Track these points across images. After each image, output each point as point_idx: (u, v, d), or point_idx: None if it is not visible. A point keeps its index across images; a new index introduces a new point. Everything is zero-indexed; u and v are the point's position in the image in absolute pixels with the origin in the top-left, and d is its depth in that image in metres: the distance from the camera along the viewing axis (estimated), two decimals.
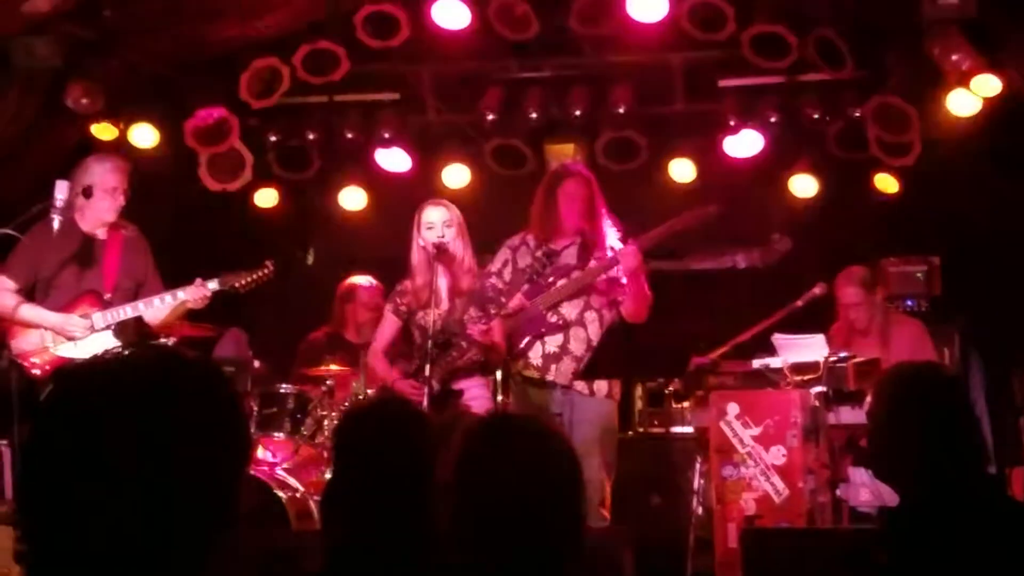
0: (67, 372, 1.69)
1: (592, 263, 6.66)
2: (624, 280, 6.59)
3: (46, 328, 6.47)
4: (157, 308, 6.56)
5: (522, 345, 6.60)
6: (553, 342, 6.62)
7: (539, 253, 6.57)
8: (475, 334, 6.37)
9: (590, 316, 6.66)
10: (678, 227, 6.70)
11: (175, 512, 1.60)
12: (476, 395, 6.42)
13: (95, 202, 6.52)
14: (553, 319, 6.64)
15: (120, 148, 7.75)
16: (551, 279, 6.63)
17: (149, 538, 1.58)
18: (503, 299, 6.54)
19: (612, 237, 6.74)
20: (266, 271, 6.65)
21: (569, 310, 6.65)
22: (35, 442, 1.63)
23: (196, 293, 6.49)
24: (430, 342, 6.23)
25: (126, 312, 6.51)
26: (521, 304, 6.55)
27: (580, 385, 6.61)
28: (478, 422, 2.58)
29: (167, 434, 1.60)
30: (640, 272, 6.57)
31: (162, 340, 6.67)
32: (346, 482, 3.18)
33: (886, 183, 8.17)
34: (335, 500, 3.20)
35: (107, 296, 6.55)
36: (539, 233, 6.75)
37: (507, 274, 6.73)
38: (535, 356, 6.62)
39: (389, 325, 6.74)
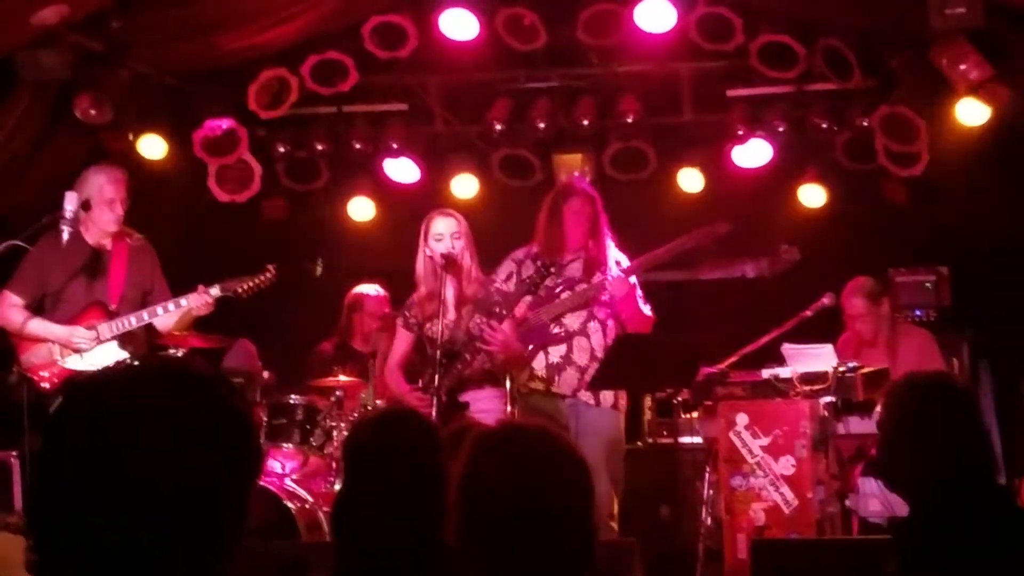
0: (77, 384, 1.69)
1: (587, 284, 6.69)
2: (617, 305, 6.63)
3: (52, 341, 6.49)
4: (162, 317, 6.57)
5: (526, 354, 6.61)
6: (556, 352, 6.64)
7: (540, 264, 6.58)
8: (489, 336, 6.31)
9: (593, 326, 6.68)
10: (688, 245, 6.74)
11: (185, 524, 1.60)
12: (487, 407, 6.36)
13: (94, 214, 6.54)
14: (556, 330, 6.65)
15: (130, 159, 7.75)
16: (556, 290, 6.64)
17: (159, 549, 1.58)
18: (505, 309, 6.52)
19: (616, 255, 6.76)
20: (268, 275, 6.65)
21: (572, 320, 6.67)
22: (46, 453, 1.64)
23: (198, 300, 6.51)
24: (438, 352, 6.21)
25: (131, 322, 6.53)
26: (524, 314, 6.56)
27: (586, 395, 6.62)
28: (486, 433, 2.57)
29: (177, 446, 1.60)
30: (631, 298, 6.61)
31: (171, 351, 6.69)
32: (355, 493, 3.17)
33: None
34: (345, 511, 3.19)
35: (112, 307, 6.56)
36: (543, 249, 6.76)
37: (511, 286, 6.73)
38: (539, 366, 6.64)
39: (402, 340, 6.72)
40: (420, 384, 6.47)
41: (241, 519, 1.66)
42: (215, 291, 6.54)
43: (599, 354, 6.63)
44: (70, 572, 1.59)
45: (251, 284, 6.61)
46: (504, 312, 6.35)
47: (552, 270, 6.48)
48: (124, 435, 1.59)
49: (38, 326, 6.52)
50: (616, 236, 6.83)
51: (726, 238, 6.82)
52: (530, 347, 6.60)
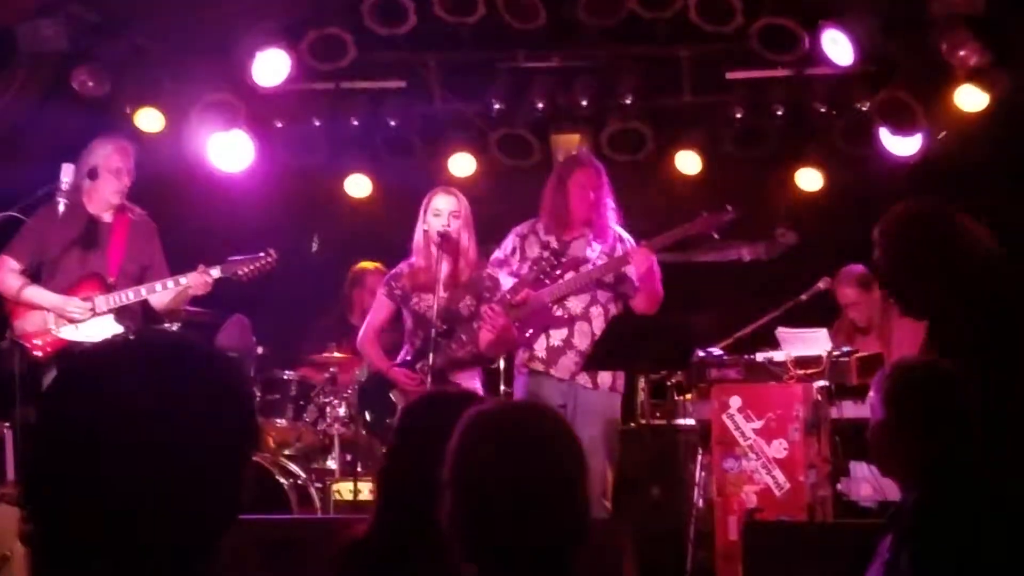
0: (73, 356, 1.70)
1: (603, 259, 6.68)
2: (636, 281, 6.62)
3: (47, 309, 6.48)
4: (159, 293, 6.56)
5: (527, 336, 6.61)
6: (557, 336, 6.64)
7: (547, 253, 6.58)
8: (490, 318, 6.30)
9: (595, 311, 6.68)
10: (692, 231, 6.74)
11: (180, 497, 1.60)
12: (469, 387, 6.38)
13: (100, 184, 6.53)
14: (558, 313, 6.65)
15: (127, 132, 7.73)
16: (558, 272, 6.64)
17: (154, 522, 1.59)
18: (499, 292, 6.51)
19: (619, 230, 6.76)
20: (269, 259, 6.64)
21: (575, 304, 6.66)
22: (42, 424, 1.64)
23: (198, 279, 6.49)
24: (433, 331, 6.20)
25: (128, 297, 6.52)
26: (527, 296, 6.55)
27: (584, 378, 6.62)
28: (479, 411, 2.57)
29: (172, 420, 1.61)
30: (652, 272, 6.60)
31: (166, 325, 6.69)
32: (406, 463, 3.09)
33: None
34: (393, 478, 3.12)
35: (111, 280, 6.56)
36: (548, 222, 6.77)
37: (515, 262, 6.74)
38: (539, 349, 6.64)
39: (382, 308, 6.64)
40: (407, 359, 6.45)
41: (237, 493, 1.67)
42: (215, 272, 6.53)
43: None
44: (65, 543, 1.60)
45: (252, 268, 6.60)
46: (494, 297, 6.35)
47: (563, 259, 6.50)
48: (120, 408, 1.59)
49: (34, 293, 6.51)
50: (620, 214, 6.84)
51: (728, 224, 6.83)
52: (529, 332, 6.60)
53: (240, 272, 6.57)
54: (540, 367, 6.65)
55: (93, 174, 6.45)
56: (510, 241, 6.83)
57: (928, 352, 4.32)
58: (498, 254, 6.80)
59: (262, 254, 6.64)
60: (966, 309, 4.22)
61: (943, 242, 4.33)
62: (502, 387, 6.98)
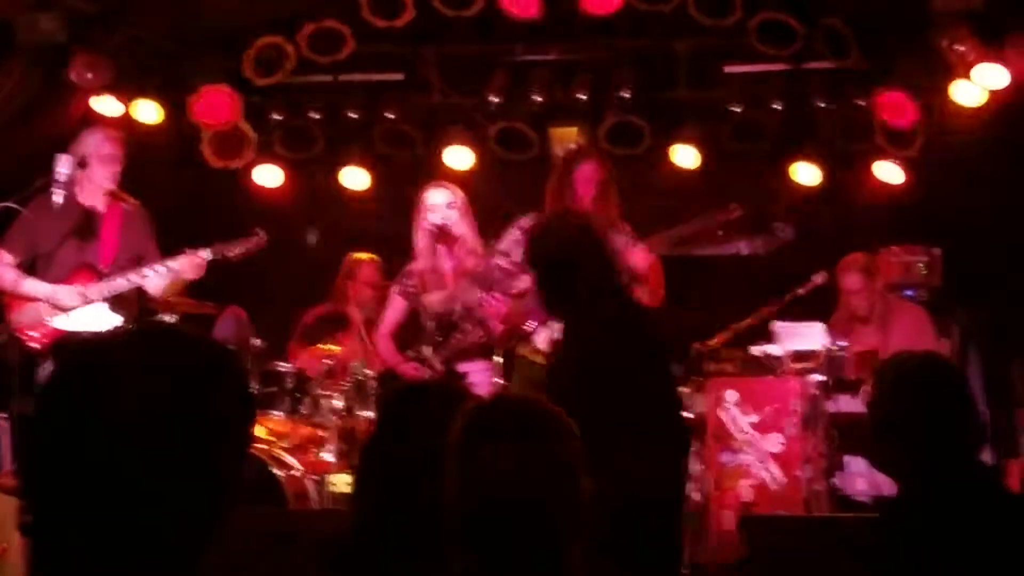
0: (71, 347, 1.69)
1: None
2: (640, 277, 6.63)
3: (41, 300, 6.48)
4: (152, 280, 6.53)
5: (528, 328, 6.61)
6: (559, 327, 6.63)
7: None
8: (492, 308, 6.34)
9: None
10: (697, 227, 6.74)
11: (178, 488, 1.60)
12: (479, 379, 6.40)
13: (91, 172, 6.53)
14: None
15: (124, 123, 7.73)
16: None
17: (152, 513, 1.59)
18: (510, 280, 6.53)
19: (624, 225, 6.77)
20: (259, 240, 6.63)
21: None
22: (40, 415, 1.64)
23: (189, 262, 6.48)
24: (433, 324, 6.22)
25: (120, 284, 6.51)
26: (528, 288, 6.56)
27: None
28: (478, 406, 2.57)
29: (170, 411, 1.61)
30: (655, 271, 6.60)
31: (163, 317, 6.68)
32: (386, 453, 3.10)
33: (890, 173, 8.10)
34: (372, 467, 3.12)
35: (103, 269, 6.55)
36: None
37: (516, 255, 6.74)
38: (541, 340, 6.64)
39: (396, 307, 6.70)
40: (412, 353, 6.47)
41: (234, 484, 1.67)
42: (205, 254, 6.52)
43: None
44: (64, 534, 1.60)
45: (242, 249, 6.59)
46: (503, 286, 6.36)
47: None
48: (118, 399, 1.60)
49: (29, 286, 6.51)
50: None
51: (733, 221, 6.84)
52: (535, 324, 6.60)
53: (230, 253, 6.55)
54: (541, 359, 6.65)
55: (83, 163, 6.45)
56: (512, 234, 6.83)
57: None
58: (500, 247, 6.80)
59: (251, 235, 6.63)
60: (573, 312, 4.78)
61: (559, 250, 4.83)
62: (501, 380, 6.97)
